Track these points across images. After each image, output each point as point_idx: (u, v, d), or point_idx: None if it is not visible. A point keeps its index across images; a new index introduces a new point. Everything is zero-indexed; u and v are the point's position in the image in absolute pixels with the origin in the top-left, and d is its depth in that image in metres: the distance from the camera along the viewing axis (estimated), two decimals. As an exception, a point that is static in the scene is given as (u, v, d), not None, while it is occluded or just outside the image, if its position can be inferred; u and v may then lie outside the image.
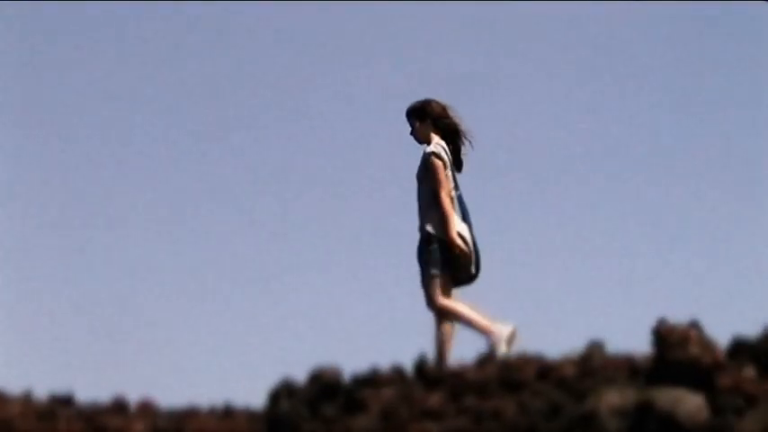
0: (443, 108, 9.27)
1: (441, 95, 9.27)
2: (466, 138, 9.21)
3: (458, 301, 8.86)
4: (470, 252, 8.87)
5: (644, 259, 19.97)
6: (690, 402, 5.33)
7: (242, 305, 19.39)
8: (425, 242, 8.89)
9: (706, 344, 5.62)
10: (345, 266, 20.42)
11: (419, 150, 9.20)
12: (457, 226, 8.81)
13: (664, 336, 5.67)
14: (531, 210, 21.68)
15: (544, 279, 19.22)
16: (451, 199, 8.88)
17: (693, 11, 21.02)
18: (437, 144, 9.07)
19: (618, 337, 6.09)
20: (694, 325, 5.67)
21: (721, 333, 5.74)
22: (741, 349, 5.67)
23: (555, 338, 7.95)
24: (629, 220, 21.43)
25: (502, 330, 8.46)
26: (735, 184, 21.19)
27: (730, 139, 22.18)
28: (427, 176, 8.95)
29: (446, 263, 8.79)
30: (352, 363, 6.37)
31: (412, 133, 9.27)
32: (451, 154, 9.12)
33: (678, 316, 5.73)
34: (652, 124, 22.68)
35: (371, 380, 6.19)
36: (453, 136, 9.21)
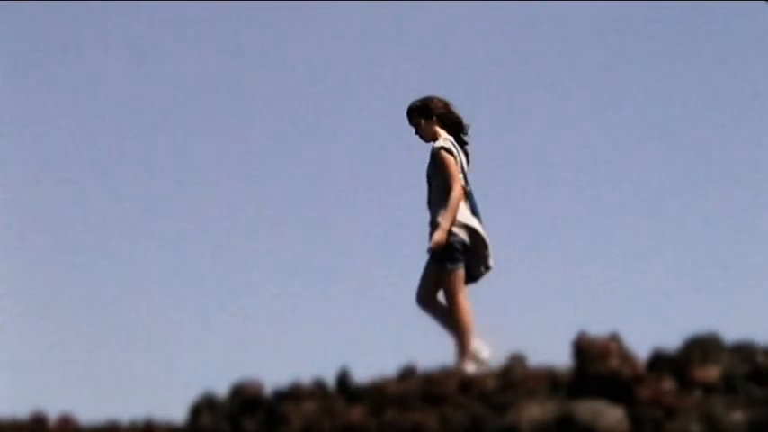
0: (445, 104, 9.07)
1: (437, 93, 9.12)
2: (466, 132, 9.03)
3: (471, 313, 8.57)
4: (486, 245, 8.62)
5: (564, 272, 19.95)
6: (610, 415, 5.28)
7: (164, 319, 19.14)
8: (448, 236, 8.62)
9: (626, 356, 5.58)
10: (270, 279, 20.25)
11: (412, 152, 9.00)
12: (468, 219, 8.57)
13: (584, 348, 5.62)
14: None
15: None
16: (466, 193, 8.69)
17: (693, 11, 21.05)
18: (445, 139, 8.89)
19: (539, 350, 6.04)
20: (614, 338, 5.63)
21: (641, 345, 5.71)
22: (661, 362, 5.64)
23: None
24: (549, 233, 21.40)
25: (475, 360, 8.18)
26: (657, 197, 21.26)
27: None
28: (438, 172, 8.73)
29: (466, 256, 8.55)
30: (274, 376, 6.27)
31: (417, 132, 9.11)
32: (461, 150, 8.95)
33: (598, 329, 5.69)
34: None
35: (293, 394, 6.09)
36: (458, 131, 9.06)
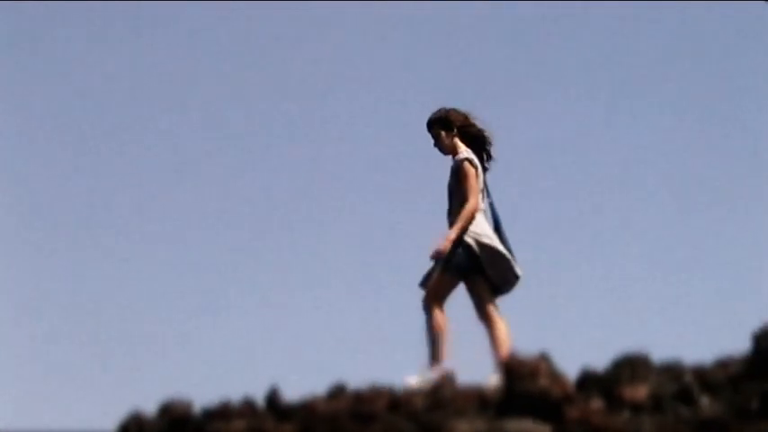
0: (466, 116, 8.89)
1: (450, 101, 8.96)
2: (491, 144, 8.86)
3: (445, 318, 8.38)
4: (507, 257, 8.45)
5: None
6: (539, 434, 5.22)
7: (91, 336, 18.81)
8: (455, 246, 8.46)
9: (555, 376, 5.51)
10: (200, 299, 20.02)
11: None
12: (487, 237, 8.40)
13: (513, 368, 5.55)
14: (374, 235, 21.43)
15: (394, 309, 19.01)
16: (483, 211, 8.52)
17: (693, 11, 21.04)
18: (467, 151, 8.73)
19: (468, 370, 5.96)
20: (543, 357, 5.56)
21: (570, 365, 5.64)
22: (589, 381, 5.57)
23: (406, 370, 7.76)
24: None
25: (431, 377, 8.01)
26: (589, 213, 21.26)
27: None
28: (459, 185, 8.57)
29: (471, 268, 8.39)
30: (203, 395, 6.15)
31: (436, 144, 8.91)
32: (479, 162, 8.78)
33: (528, 348, 5.62)
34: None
35: (222, 412, 5.97)
36: (479, 144, 8.89)
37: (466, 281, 8.40)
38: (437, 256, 8.27)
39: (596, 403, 5.40)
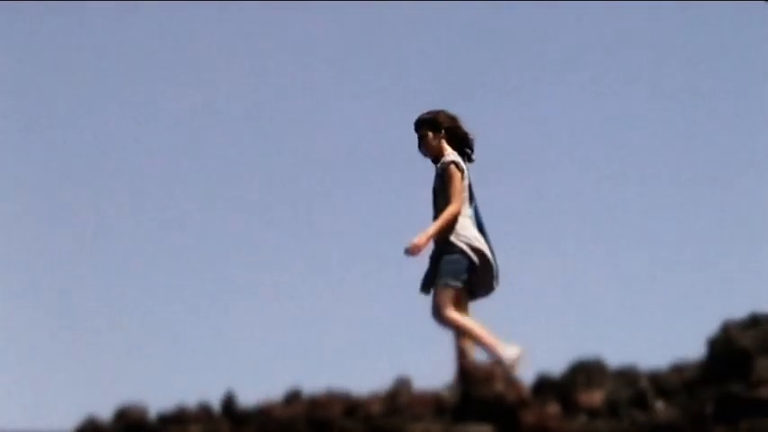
0: (454, 118, 8.82)
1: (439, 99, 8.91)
2: (472, 147, 8.80)
3: (467, 317, 8.29)
4: (492, 263, 8.39)
5: None
6: (495, 439, 5.19)
7: (48, 339, 18.62)
8: (445, 252, 8.42)
9: (511, 381, 5.48)
10: (158, 301, 19.89)
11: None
12: (478, 241, 8.32)
13: (469, 373, 5.52)
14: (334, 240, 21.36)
15: (349, 315, 18.93)
16: (469, 216, 8.45)
17: (693, 11, 20.96)
18: (453, 153, 8.67)
19: (424, 374, 5.92)
20: (499, 362, 5.54)
21: (526, 370, 5.62)
22: (545, 386, 5.55)
23: (362, 375, 7.70)
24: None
25: (510, 352, 7.91)
26: (551, 217, 21.22)
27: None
28: (443, 188, 8.50)
29: (469, 274, 8.34)
30: (159, 400, 6.08)
31: (420, 146, 8.78)
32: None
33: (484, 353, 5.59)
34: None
35: (178, 417, 5.91)
36: (465, 148, 8.84)
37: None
38: (413, 251, 8.19)
39: (552, 408, 5.37)
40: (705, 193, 20.98)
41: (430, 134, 8.66)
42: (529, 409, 5.35)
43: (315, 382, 6.00)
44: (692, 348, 5.56)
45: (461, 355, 8.03)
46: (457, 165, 8.43)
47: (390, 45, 22.91)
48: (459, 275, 8.17)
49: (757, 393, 5.09)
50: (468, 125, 8.75)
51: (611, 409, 5.34)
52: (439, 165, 8.53)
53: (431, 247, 8.32)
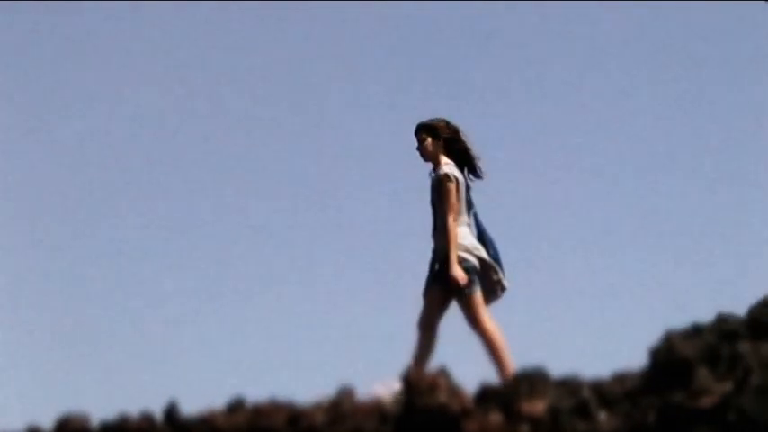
0: (456, 130, 8.80)
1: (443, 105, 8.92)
2: (476, 163, 8.74)
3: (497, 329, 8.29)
4: (495, 269, 8.33)
5: (395, 309, 19.61)
6: (437, 448, 5.13)
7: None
8: (449, 263, 8.34)
9: (454, 390, 5.42)
10: (104, 310, 19.67)
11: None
12: (474, 246, 8.28)
13: (412, 383, 5.45)
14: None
15: (293, 324, 18.79)
16: (467, 225, 8.40)
17: (693, 11, 20.90)
18: (448, 164, 8.60)
19: (367, 384, 5.84)
20: (443, 372, 5.47)
21: (469, 380, 5.55)
22: (488, 395, 5.48)
23: (305, 384, 7.61)
24: (380, 269, 20.99)
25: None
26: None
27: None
28: (440, 200, 8.43)
29: (478, 278, 8.30)
30: (101, 409, 5.98)
31: (419, 148, 8.82)
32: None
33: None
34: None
35: (120, 427, 5.81)
36: (463, 160, 8.77)
37: (431, 291, 8.33)
38: (463, 283, 8.19)
39: (495, 417, 5.31)
40: (646, 203, 21.02)
41: (429, 140, 8.71)
42: (471, 418, 5.29)
43: (258, 391, 5.92)
44: (635, 358, 5.52)
45: (501, 368, 8.01)
46: (449, 177, 8.41)
47: (391, 44, 22.85)
48: (472, 281, 8.17)
49: (699, 403, 5.05)
50: (469, 139, 8.76)
51: (554, 418, 5.28)
52: (433, 177, 8.53)
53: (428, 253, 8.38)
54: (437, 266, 8.42)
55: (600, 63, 22.61)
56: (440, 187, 8.47)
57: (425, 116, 8.90)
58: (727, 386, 5.08)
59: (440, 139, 8.71)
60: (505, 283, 8.47)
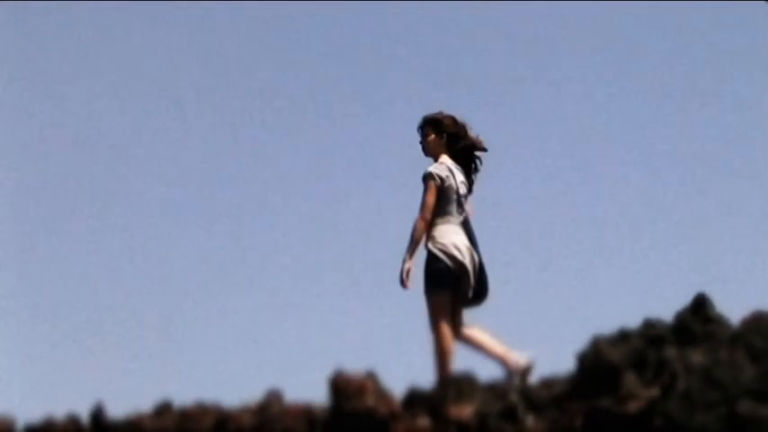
0: (462, 126, 8.54)
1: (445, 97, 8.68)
2: (479, 160, 8.55)
3: (453, 342, 8.03)
4: (473, 272, 8.14)
5: (319, 309, 19.44)
6: (364, 452, 5.02)
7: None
8: (426, 260, 8.14)
9: (382, 394, 5.31)
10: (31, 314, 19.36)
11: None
12: (456, 248, 8.07)
13: (340, 386, 5.33)
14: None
15: (222, 327, 18.58)
16: (458, 224, 8.21)
17: (693, 11, 20.77)
18: (442, 164, 8.34)
19: (296, 387, 5.71)
20: (371, 376, 5.36)
21: (397, 383, 5.44)
22: (416, 399, 5.37)
23: (233, 387, 7.47)
24: (307, 273, 20.81)
25: (517, 360, 7.67)
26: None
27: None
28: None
29: (450, 282, 8.10)
30: (27, 411, 5.81)
31: (422, 142, 8.58)
32: (464, 175, 8.42)
33: (355, 365, 5.41)
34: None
35: (46, 429, 5.66)
36: (467, 158, 8.59)
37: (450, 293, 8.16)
38: (404, 284, 8.00)
39: (422, 421, 5.21)
40: (568, 207, 21.02)
41: (432, 135, 8.46)
42: (399, 422, 5.19)
43: (185, 394, 5.78)
44: (562, 363, 5.44)
45: (500, 359, 7.83)
46: (432, 175, 8.22)
47: (390, 43, 22.71)
48: (438, 284, 7.99)
49: (625, 408, 4.98)
50: (476, 134, 8.56)
51: (481, 422, 5.19)
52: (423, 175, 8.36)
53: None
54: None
55: (600, 62, 22.55)
56: (423, 183, 8.29)
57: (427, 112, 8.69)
58: (653, 392, 5.01)
59: (443, 135, 8.50)
60: (468, 292, 8.23)
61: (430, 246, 8.08)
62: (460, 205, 8.28)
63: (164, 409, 5.69)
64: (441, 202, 8.19)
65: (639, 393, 5.03)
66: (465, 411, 5.23)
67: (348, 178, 21.41)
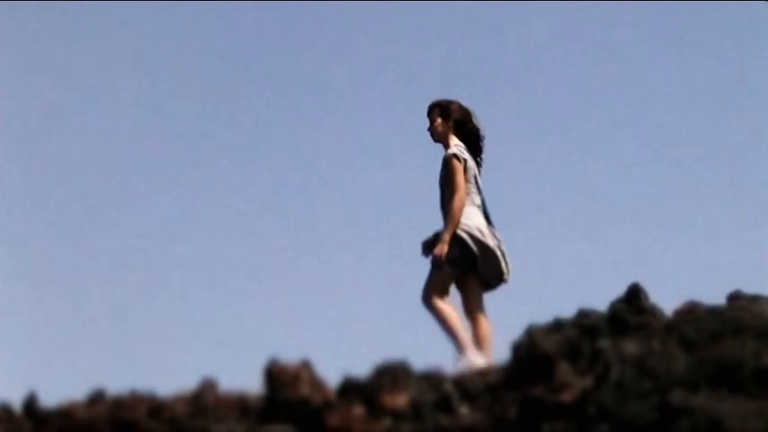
0: (468, 113, 8.49)
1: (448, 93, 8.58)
2: (482, 145, 8.47)
3: (451, 307, 7.93)
4: (499, 254, 8.03)
5: (254, 298, 19.29)
6: (298, 441, 4.91)
7: None
8: (452, 240, 8.02)
9: (317, 383, 5.20)
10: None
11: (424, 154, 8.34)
12: (478, 231, 7.96)
13: (275, 375, 5.21)
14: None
15: (156, 315, 18.36)
16: (478, 206, 8.10)
17: (693, 11, 20.66)
18: (457, 146, 8.29)
19: (231, 376, 5.59)
20: (305, 364, 5.25)
21: (332, 372, 5.33)
22: (350, 389, 5.27)
23: (166, 375, 7.32)
24: (242, 261, 20.61)
25: (476, 359, 7.59)
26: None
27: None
28: (448, 179, 8.13)
29: (465, 264, 8.01)
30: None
31: (430, 129, 8.48)
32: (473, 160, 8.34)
33: (289, 354, 5.30)
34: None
35: (-23, 418, 5.50)
36: (474, 143, 8.51)
37: (459, 276, 8.07)
38: (438, 261, 7.91)
39: (357, 410, 5.10)
40: (509, 198, 20.97)
41: (439, 120, 8.44)
42: (334, 411, 5.08)
43: (119, 382, 5.63)
44: (496, 352, 5.36)
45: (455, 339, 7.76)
46: (457, 157, 8.16)
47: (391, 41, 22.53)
48: (453, 264, 7.90)
49: (559, 397, 4.90)
50: (479, 121, 8.53)
51: (416, 411, 5.10)
52: (443, 157, 8.29)
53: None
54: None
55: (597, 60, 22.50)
56: (447, 167, 8.22)
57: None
58: (587, 381, 4.94)
59: (450, 119, 8.47)
60: (507, 277, 8.16)
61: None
62: (478, 187, 8.26)
63: (97, 398, 5.55)
64: None
65: (573, 383, 4.95)
66: (399, 400, 5.13)
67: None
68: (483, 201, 8.30)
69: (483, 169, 8.47)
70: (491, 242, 8.06)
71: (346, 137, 22.08)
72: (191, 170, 21.65)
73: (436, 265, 7.96)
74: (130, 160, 21.69)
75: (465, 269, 8.01)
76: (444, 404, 5.12)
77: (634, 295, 5.59)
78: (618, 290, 5.70)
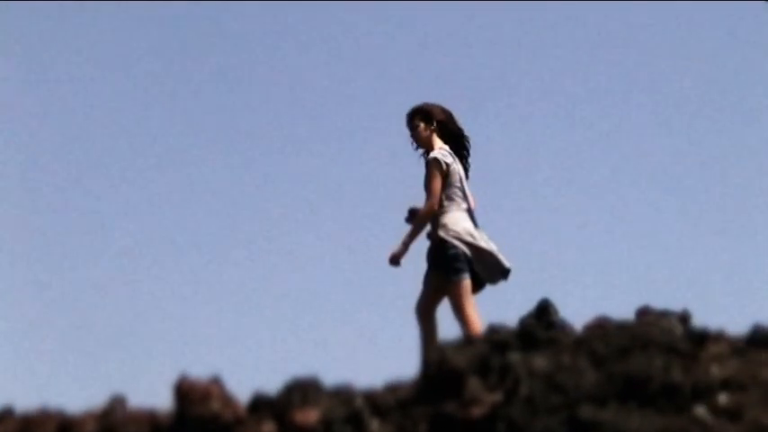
0: (449, 114, 8.30)
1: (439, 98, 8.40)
2: (468, 146, 8.24)
3: (479, 322, 7.75)
4: (491, 253, 7.82)
5: (162, 312, 19.04)
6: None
7: None
8: (439, 248, 7.82)
9: (227, 399, 5.07)
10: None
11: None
12: (468, 234, 7.75)
13: (185, 392, 5.07)
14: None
15: (63, 333, 18.01)
16: (464, 210, 7.89)
17: (693, 11, 20.52)
18: (441, 149, 8.06)
19: (140, 392, 5.42)
20: (216, 381, 5.11)
21: (242, 388, 5.20)
22: (261, 405, 5.14)
23: (76, 392, 7.13)
24: (153, 276, 20.30)
25: None
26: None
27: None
28: (426, 182, 7.91)
29: (467, 266, 7.78)
30: None
31: (412, 135, 8.29)
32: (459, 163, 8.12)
33: (198, 371, 5.15)
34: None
35: None
36: (457, 144, 8.24)
37: (427, 276, 7.93)
38: (393, 262, 7.78)
39: (267, 427, 4.98)
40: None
41: (421, 125, 8.27)
42: (244, 427, 4.96)
43: (27, 399, 5.45)
44: (407, 367, 5.27)
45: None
46: (437, 160, 7.99)
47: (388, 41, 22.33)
48: (459, 269, 7.74)
49: (469, 413, 4.82)
50: (462, 123, 8.39)
51: (327, 427, 4.98)
52: (425, 160, 8.13)
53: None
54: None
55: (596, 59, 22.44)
56: (427, 170, 8.06)
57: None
58: (497, 396, 4.86)
59: (433, 123, 8.29)
60: (506, 264, 8.03)
61: (443, 234, 7.95)
62: (464, 191, 8.13)
63: (5, 415, 5.36)
64: (448, 188, 8.03)
65: (483, 398, 4.87)
66: (310, 416, 5.01)
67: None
68: (469, 205, 8.17)
69: (470, 173, 8.36)
70: (483, 244, 7.98)
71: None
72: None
73: (391, 262, 7.90)
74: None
75: (467, 271, 7.91)
76: (355, 420, 5.01)
77: (544, 310, 5.52)
78: (527, 305, 5.64)
